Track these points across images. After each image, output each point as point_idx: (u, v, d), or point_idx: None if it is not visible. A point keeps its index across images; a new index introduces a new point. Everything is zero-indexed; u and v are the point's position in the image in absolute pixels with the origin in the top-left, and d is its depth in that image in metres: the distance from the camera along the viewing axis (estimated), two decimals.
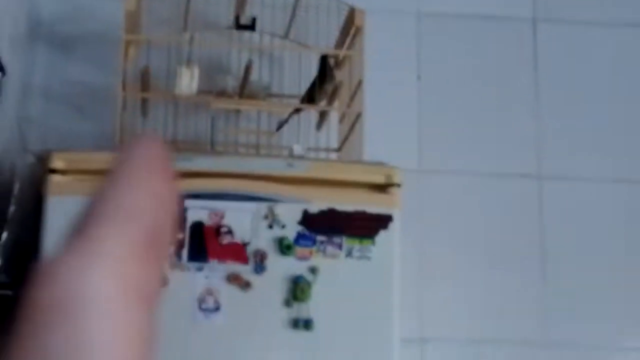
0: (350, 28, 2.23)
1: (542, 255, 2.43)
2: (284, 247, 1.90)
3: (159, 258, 0.69)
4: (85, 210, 0.67)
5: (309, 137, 2.35)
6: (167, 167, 0.72)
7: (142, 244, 0.66)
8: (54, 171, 1.91)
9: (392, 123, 2.44)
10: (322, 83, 2.22)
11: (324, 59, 2.24)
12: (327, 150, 2.34)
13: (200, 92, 2.24)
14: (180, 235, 1.88)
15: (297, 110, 2.31)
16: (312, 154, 2.29)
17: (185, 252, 1.87)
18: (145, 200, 0.68)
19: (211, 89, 2.30)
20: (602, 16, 2.59)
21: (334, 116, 2.35)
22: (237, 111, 2.34)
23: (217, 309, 1.86)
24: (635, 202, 2.49)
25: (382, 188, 1.97)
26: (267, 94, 2.33)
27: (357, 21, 2.20)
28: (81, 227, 0.66)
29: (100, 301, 0.63)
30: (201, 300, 1.86)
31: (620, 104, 2.55)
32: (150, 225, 0.68)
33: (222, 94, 2.28)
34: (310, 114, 2.34)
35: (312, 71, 2.34)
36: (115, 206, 0.67)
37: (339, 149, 2.32)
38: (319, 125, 2.36)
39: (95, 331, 0.62)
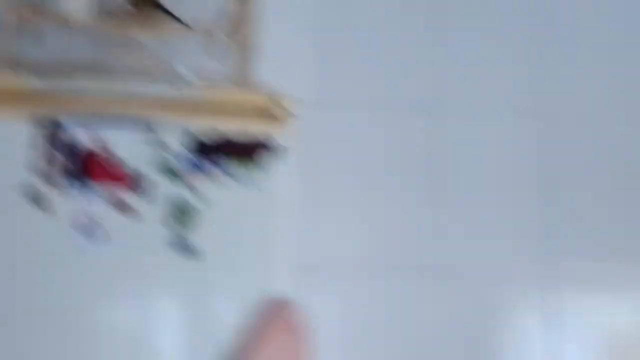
0: None
1: (434, 193, 2.43)
2: (170, 172, 1.85)
3: None
4: None
5: (202, 63, 2.29)
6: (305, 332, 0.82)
7: None
8: None
9: (290, 54, 2.40)
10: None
11: None
12: (220, 78, 2.29)
13: (91, 14, 2.16)
14: (61, 159, 1.81)
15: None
16: (204, 79, 2.24)
17: (67, 176, 1.81)
18: None
19: (102, 12, 2.22)
20: None
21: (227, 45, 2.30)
22: (128, 36, 2.27)
23: (99, 235, 1.80)
24: (532, 138, 2.49)
25: (276, 116, 1.92)
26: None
27: None
28: None
29: None
30: (83, 227, 1.80)
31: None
32: None
33: (114, 18, 2.21)
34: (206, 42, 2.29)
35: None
36: None
37: (233, 79, 2.26)
38: (212, 52, 2.30)
39: None
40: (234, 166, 1.87)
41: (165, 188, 1.84)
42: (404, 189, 2.42)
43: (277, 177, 1.88)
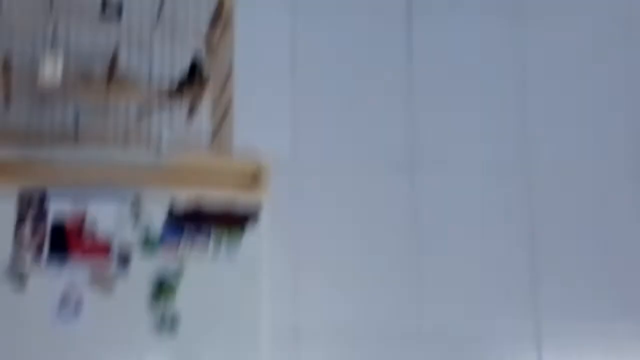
0: (220, 17, 2.18)
1: (417, 246, 2.43)
2: (149, 243, 1.84)
3: None
4: None
5: (180, 127, 2.29)
6: None
7: None
8: None
9: (266, 112, 2.41)
10: (192, 84, 2.17)
11: (194, 63, 2.20)
12: (198, 140, 2.29)
13: (66, 80, 2.16)
14: (40, 232, 1.81)
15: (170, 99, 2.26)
16: (182, 146, 2.24)
17: (45, 252, 1.80)
18: None
19: (77, 78, 2.23)
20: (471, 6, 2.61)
21: (206, 108, 2.30)
22: (105, 101, 2.27)
23: (77, 312, 1.79)
24: (504, 193, 2.51)
25: (251, 179, 1.92)
26: (136, 83, 2.27)
27: (227, 10, 2.16)
28: None
29: None
30: (61, 304, 1.79)
31: (492, 95, 2.57)
32: None
33: (88, 82, 2.21)
34: (182, 106, 2.29)
35: (182, 60, 2.29)
36: None
37: (210, 140, 2.27)
38: (190, 114, 2.31)
39: None
40: (213, 234, 1.87)
41: (145, 259, 1.83)
42: (386, 251, 2.42)
43: (256, 243, 1.88)
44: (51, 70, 2.08)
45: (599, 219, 2.51)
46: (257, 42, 2.41)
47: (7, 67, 2.10)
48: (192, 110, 2.28)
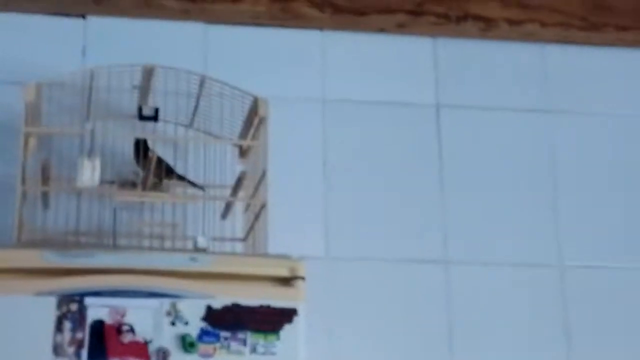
0: (254, 118, 2.23)
1: (449, 341, 2.43)
2: (187, 345, 1.86)
3: None
4: None
5: (215, 225, 2.33)
6: None
7: None
8: None
9: (299, 211, 2.44)
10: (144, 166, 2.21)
11: (137, 144, 2.24)
12: (232, 240, 2.32)
13: (103, 182, 2.21)
14: (79, 335, 1.83)
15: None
16: (217, 244, 2.27)
17: (84, 353, 1.83)
18: None
19: (114, 180, 2.27)
20: (502, 101, 2.64)
21: (239, 203, 2.34)
22: (141, 202, 2.31)
23: None
24: (538, 286, 2.51)
25: (286, 281, 1.95)
26: (171, 183, 2.32)
27: (261, 111, 2.20)
28: None
29: None
30: None
31: (521, 190, 2.58)
32: None
33: (125, 185, 2.26)
34: (216, 202, 2.34)
35: (217, 159, 2.34)
36: None
37: (244, 239, 2.30)
38: (224, 214, 2.34)
39: None
40: (249, 335, 1.88)
41: None
42: (421, 346, 2.42)
43: (293, 343, 1.90)
44: (89, 174, 2.12)
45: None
46: (289, 142, 2.45)
47: (46, 171, 2.15)
48: (226, 211, 2.32)
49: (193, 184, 2.31)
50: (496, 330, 2.45)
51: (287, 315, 1.91)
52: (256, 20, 2.59)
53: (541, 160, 2.62)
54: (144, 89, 2.26)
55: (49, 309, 1.84)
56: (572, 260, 2.54)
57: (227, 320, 1.89)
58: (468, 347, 2.44)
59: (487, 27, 2.64)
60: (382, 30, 2.63)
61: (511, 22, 2.64)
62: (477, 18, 2.63)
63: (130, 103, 2.32)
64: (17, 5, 2.49)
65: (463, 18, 2.63)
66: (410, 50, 2.64)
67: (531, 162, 2.61)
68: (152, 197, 2.24)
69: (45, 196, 2.25)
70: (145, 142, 2.24)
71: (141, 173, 2.23)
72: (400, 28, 2.63)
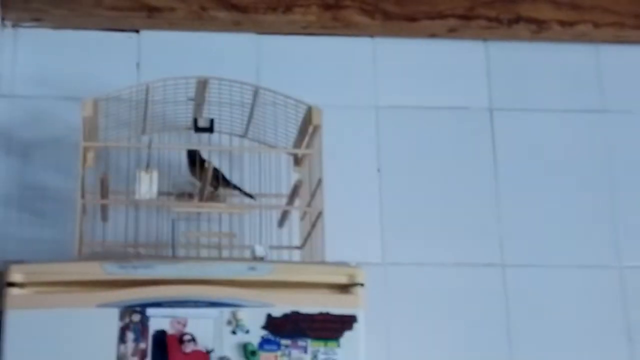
0: (308, 126, 2.24)
1: (509, 344, 2.42)
2: (248, 354, 1.88)
3: None
4: None
5: (271, 233, 2.34)
6: None
7: None
8: (12, 284, 1.89)
9: (355, 217, 2.44)
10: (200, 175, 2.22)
11: (191, 154, 2.26)
12: (290, 248, 2.34)
13: (161, 194, 2.24)
14: (142, 345, 1.86)
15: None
16: (274, 253, 2.29)
17: None
18: None
19: (171, 192, 2.30)
20: (557, 103, 2.63)
21: (296, 212, 2.35)
22: (198, 212, 2.33)
23: None
24: (597, 287, 2.49)
25: (345, 288, 1.96)
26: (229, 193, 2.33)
27: (315, 120, 2.21)
28: None
29: None
30: None
31: (577, 191, 2.57)
32: None
33: (182, 196, 2.28)
34: (272, 210, 2.35)
35: (272, 168, 2.35)
36: None
37: (301, 247, 2.31)
38: (281, 222, 2.36)
39: None
40: (310, 343, 1.89)
41: None
42: (482, 348, 2.41)
43: (353, 350, 1.91)
44: (147, 187, 2.15)
45: None
46: (343, 149, 2.45)
47: (104, 185, 2.18)
48: (282, 220, 2.33)
49: (246, 194, 2.33)
50: (556, 334, 2.44)
51: (347, 322, 1.92)
52: (307, 30, 2.60)
53: (597, 162, 2.60)
54: (199, 100, 2.29)
55: (111, 321, 1.87)
56: (631, 260, 2.52)
57: (287, 328, 1.90)
58: (527, 350, 2.42)
59: (539, 29, 2.63)
60: (433, 35, 2.63)
61: (563, 24, 2.63)
62: (529, 20, 2.62)
63: (185, 115, 2.34)
64: (72, 22, 2.53)
65: (514, 21, 2.62)
66: (462, 55, 2.64)
67: (587, 164, 2.59)
68: (209, 208, 2.26)
69: (104, 209, 2.28)
70: (199, 152, 2.26)
71: (197, 184, 2.25)
72: (452, 33, 2.62)
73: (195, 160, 2.26)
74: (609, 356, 2.44)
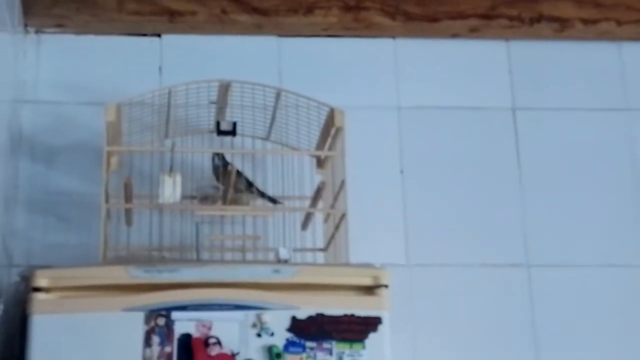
0: (330, 128, 2.24)
1: (535, 345, 2.41)
2: (273, 356, 1.88)
3: None
4: None
5: (295, 235, 2.34)
6: None
7: None
8: (37, 289, 1.90)
9: (378, 219, 2.44)
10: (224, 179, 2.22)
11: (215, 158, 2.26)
12: (314, 250, 2.34)
13: (185, 198, 2.24)
14: (168, 349, 1.86)
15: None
16: (298, 255, 2.29)
17: None
18: None
19: (195, 195, 2.30)
20: (579, 102, 2.62)
21: (319, 214, 2.35)
22: (222, 215, 2.34)
23: None
24: (623, 287, 2.48)
25: (370, 290, 1.95)
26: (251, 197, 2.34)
27: (337, 122, 2.22)
28: None
29: None
30: None
31: (602, 190, 2.55)
32: None
33: (205, 199, 2.28)
34: (296, 213, 2.35)
35: (295, 170, 2.35)
36: None
37: (325, 249, 2.31)
38: (304, 225, 2.36)
39: None
40: (335, 345, 1.89)
41: None
42: (508, 349, 2.40)
43: (378, 352, 1.90)
44: (170, 190, 2.15)
45: None
46: (366, 150, 2.45)
47: (128, 189, 2.19)
48: (306, 222, 2.33)
49: (269, 198, 2.33)
50: (582, 334, 2.43)
51: (372, 323, 1.91)
52: (328, 31, 2.60)
53: (621, 159, 2.59)
54: (221, 104, 2.29)
55: (137, 324, 1.87)
56: None
57: (312, 331, 1.90)
58: (554, 351, 2.41)
59: (561, 27, 2.62)
60: (455, 35, 2.63)
61: (586, 22, 2.62)
62: (551, 19, 2.61)
63: (208, 118, 2.35)
64: (95, 28, 2.54)
65: (536, 19, 2.61)
66: (484, 55, 2.63)
67: (611, 162, 2.58)
68: (232, 211, 2.26)
69: (128, 213, 2.28)
70: (223, 156, 2.27)
71: (221, 187, 2.25)
72: (473, 32, 2.62)
73: (220, 164, 2.26)
74: (637, 355, 2.43)
